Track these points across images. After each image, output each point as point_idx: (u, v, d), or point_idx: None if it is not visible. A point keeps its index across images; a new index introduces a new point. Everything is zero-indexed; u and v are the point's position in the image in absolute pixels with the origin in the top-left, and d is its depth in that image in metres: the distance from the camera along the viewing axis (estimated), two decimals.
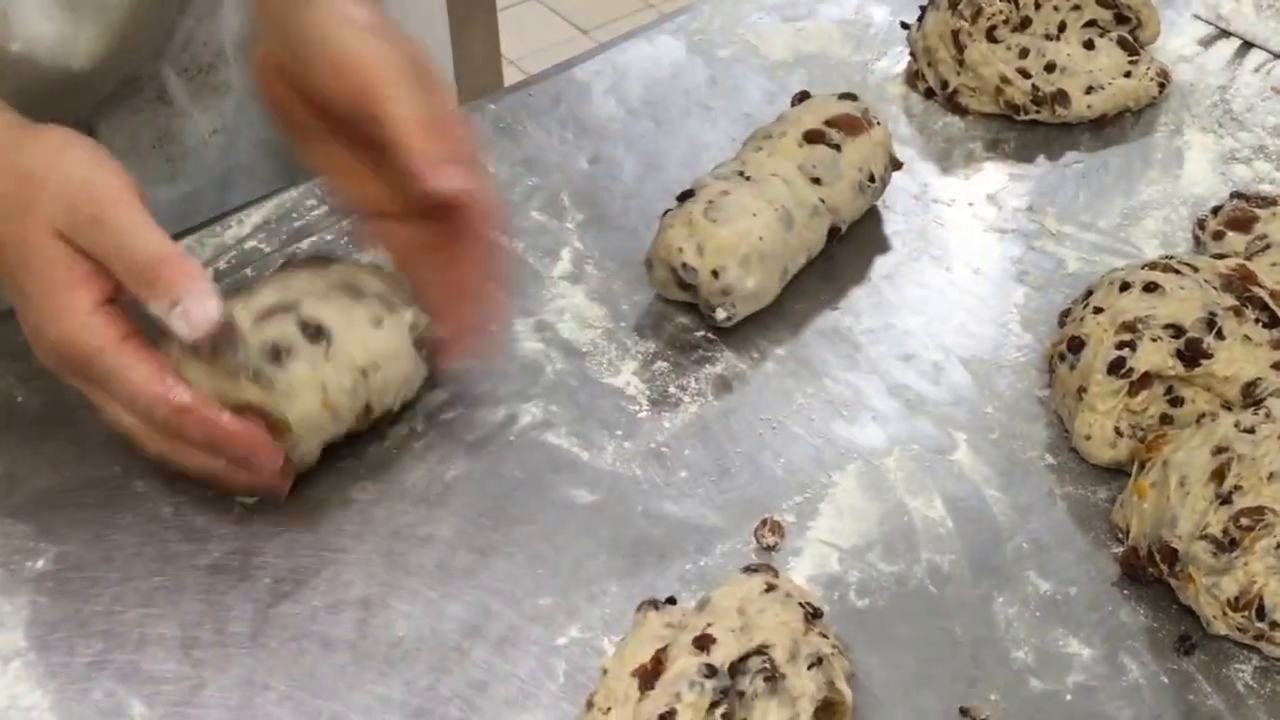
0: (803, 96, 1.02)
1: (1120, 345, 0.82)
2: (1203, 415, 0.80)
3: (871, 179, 0.96)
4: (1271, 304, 0.83)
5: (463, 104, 1.13)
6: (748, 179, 0.93)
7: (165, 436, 0.77)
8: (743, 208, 0.90)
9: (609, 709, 0.67)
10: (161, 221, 0.93)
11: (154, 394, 0.74)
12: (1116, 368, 0.82)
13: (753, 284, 0.89)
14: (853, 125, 0.97)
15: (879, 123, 0.98)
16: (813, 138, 0.95)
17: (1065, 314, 0.91)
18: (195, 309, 0.72)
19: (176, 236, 0.96)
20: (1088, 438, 0.83)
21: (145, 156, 1.03)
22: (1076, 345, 0.85)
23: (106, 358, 0.74)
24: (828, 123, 0.97)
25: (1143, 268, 0.86)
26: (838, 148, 0.95)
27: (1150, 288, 0.84)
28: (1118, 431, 0.83)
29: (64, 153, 0.75)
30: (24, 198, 0.74)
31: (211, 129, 1.07)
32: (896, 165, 1.00)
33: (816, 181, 0.94)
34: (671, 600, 0.75)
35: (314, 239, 0.97)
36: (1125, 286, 0.85)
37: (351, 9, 0.81)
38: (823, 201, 0.94)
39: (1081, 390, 0.84)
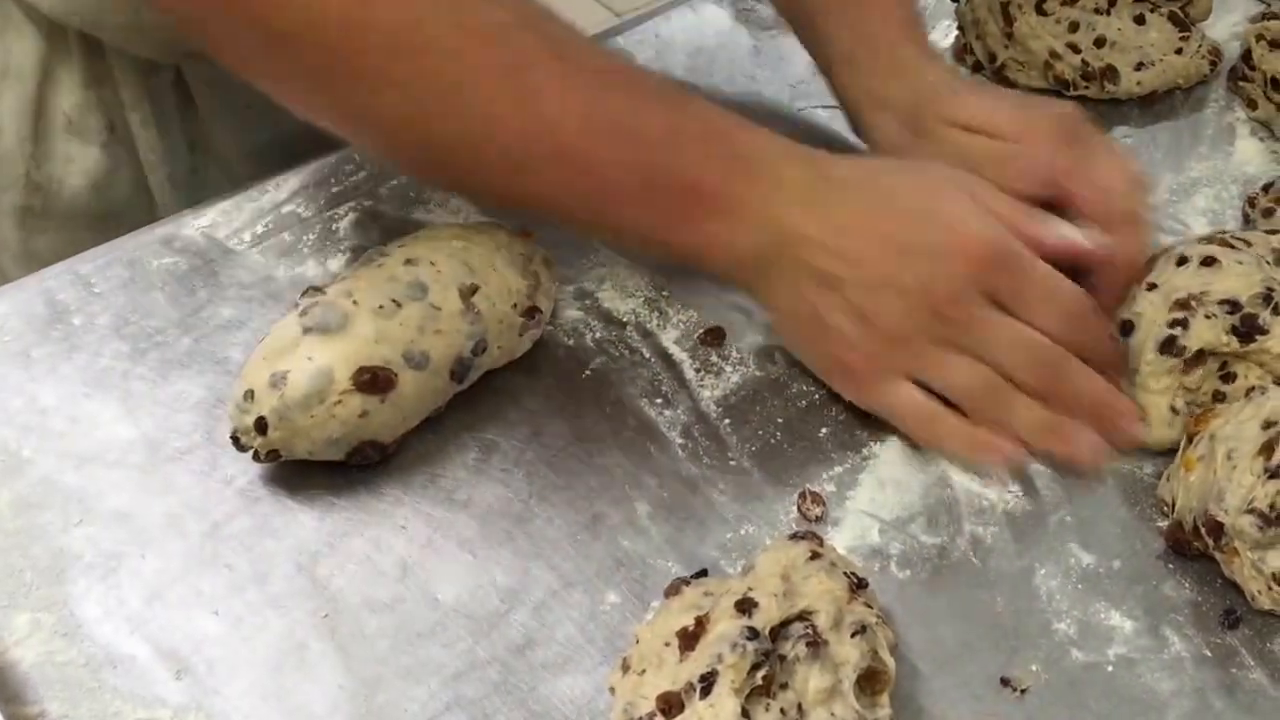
0: None
1: (1173, 324, 0.81)
2: (1251, 389, 0.80)
3: None
4: None
5: None
6: None
7: (1054, 356, 0.80)
8: None
9: (644, 671, 0.67)
10: None
11: (1070, 297, 0.80)
12: (1168, 347, 0.81)
13: None
14: None
15: None
16: None
17: None
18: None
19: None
20: (1143, 420, 0.82)
21: None
22: (1127, 328, 0.83)
23: (1027, 262, 0.79)
24: None
25: (1200, 241, 0.85)
26: None
27: (1208, 262, 0.83)
28: (1173, 410, 0.82)
29: None
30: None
31: None
32: None
33: None
34: (702, 572, 0.75)
35: (352, 204, 0.97)
36: (1183, 261, 0.84)
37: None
38: None
39: (1134, 372, 0.83)
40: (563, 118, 0.78)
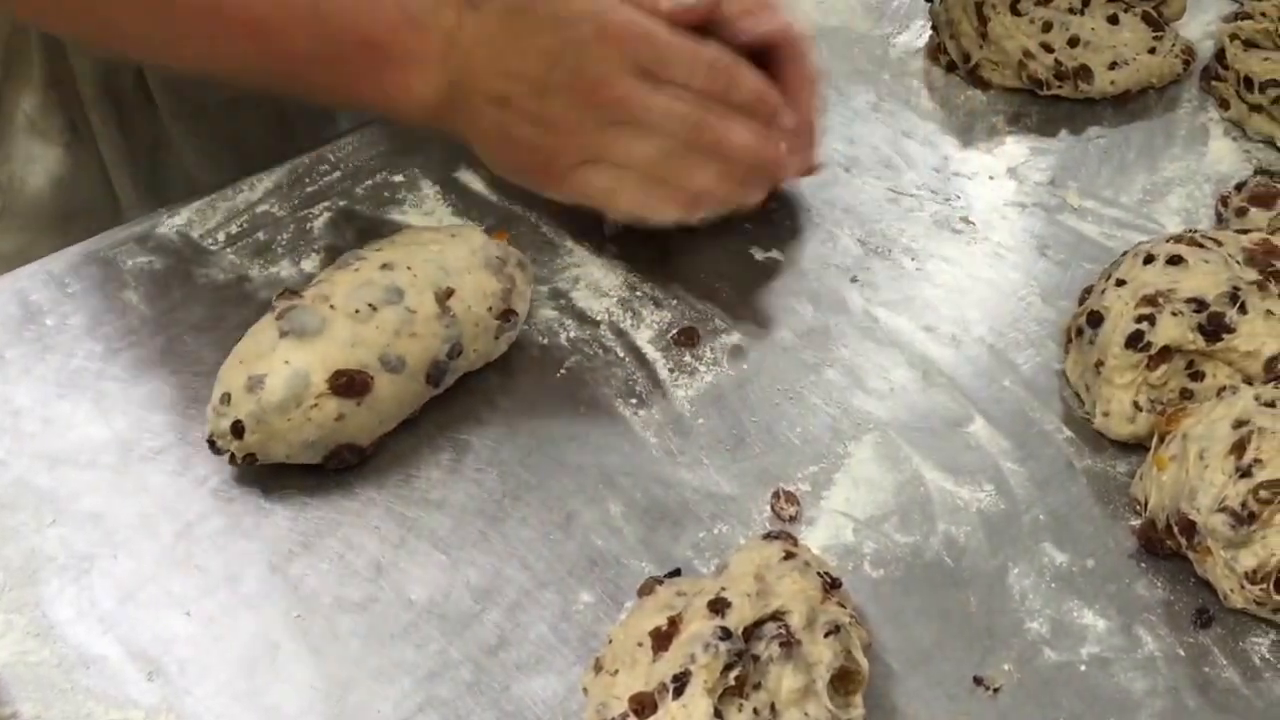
0: None
1: (1140, 319, 0.82)
2: (1223, 389, 0.80)
3: None
4: None
5: None
6: None
7: (710, 118, 0.85)
8: None
9: (616, 671, 0.67)
10: None
11: (710, 54, 0.85)
12: (1134, 341, 0.81)
13: None
14: None
15: None
16: None
17: (1088, 290, 0.90)
18: None
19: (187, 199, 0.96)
20: (1106, 413, 0.83)
21: None
22: (1096, 319, 0.84)
23: (664, 33, 0.84)
24: None
25: (1168, 241, 0.86)
26: None
27: (1174, 260, 0.83)
28: (1136, 406, 0.82)
29: None
30: None
31: None
32: None
33: None
34: (676, 572, 0.75)
35: (326, 204, 0.96)
36: (1149, 259, 0.84)
37: None
38: None
39: (1099, 364, 0.83)
40: None
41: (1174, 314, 0.81)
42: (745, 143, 0.87)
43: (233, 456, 0.78)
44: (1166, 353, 0.81)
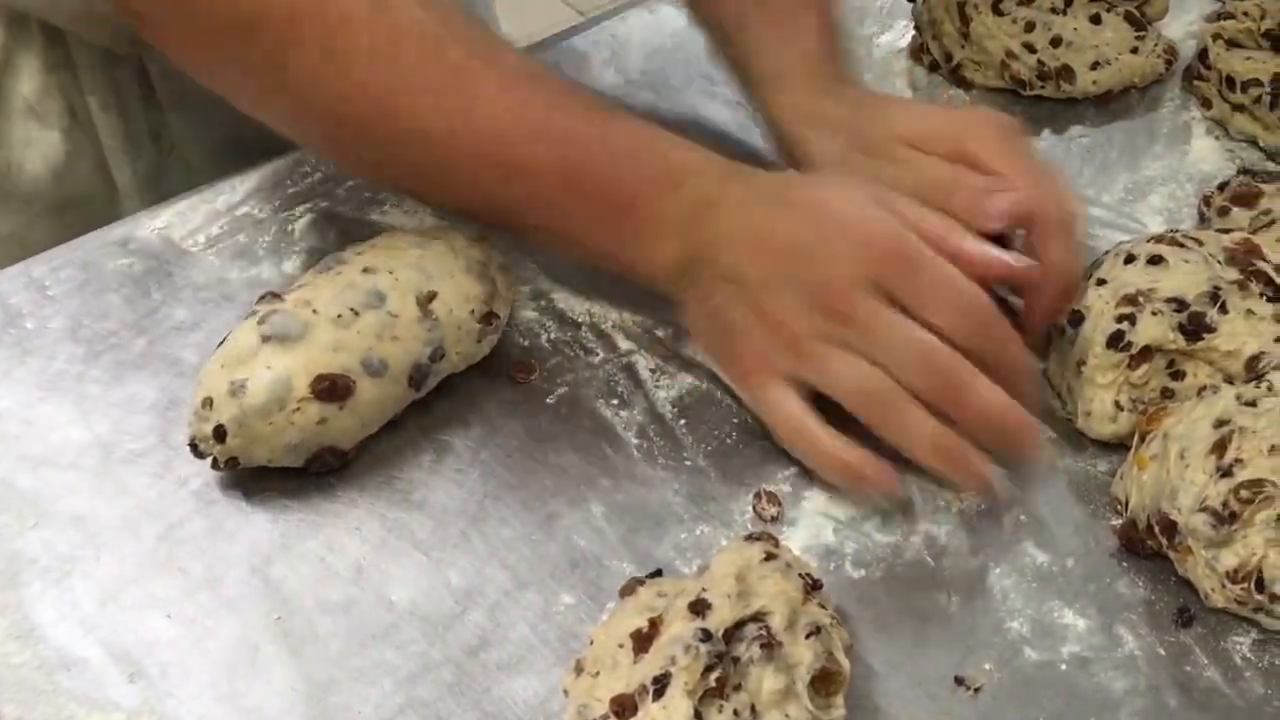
0: None
1: (1120, 319, 0.82)
2: (1204, 388, 0.80)
3: None
4: (1276, 278, 0.82)
5: None
6: None
7: (959, 365, 0.77)
8: None
9: (597, 673, 0.67)
10: None
11: (971, 293, 0.77)
12: (1115, 341, 0.81)
13: None
14: None
15: None
16: None
17: None
18: None
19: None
20: (1087, 413, 0.83)
21: None
22: (1077, 319, 0.84)
23: (927, 256, 0.77)
24: None
25: (1149, 240, 0.86)
26: None
27: (1155, 260, 0.83)
28: (1117, 405, 0.82)
29: None
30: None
31: None
32: None
33: None
34: (657, 573, 0.75)
35: (308, 205, 0.96)
36: (1130, 259, 0.84)
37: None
38: None
39: (1080, 364, 0.83)
40: (496, 127, 0.81)
41: (1154, 313, 0.81)
42: (996, 404, 0.77)
43: (215, 460, 0.78)
44: (1147, 352, 0.81)
